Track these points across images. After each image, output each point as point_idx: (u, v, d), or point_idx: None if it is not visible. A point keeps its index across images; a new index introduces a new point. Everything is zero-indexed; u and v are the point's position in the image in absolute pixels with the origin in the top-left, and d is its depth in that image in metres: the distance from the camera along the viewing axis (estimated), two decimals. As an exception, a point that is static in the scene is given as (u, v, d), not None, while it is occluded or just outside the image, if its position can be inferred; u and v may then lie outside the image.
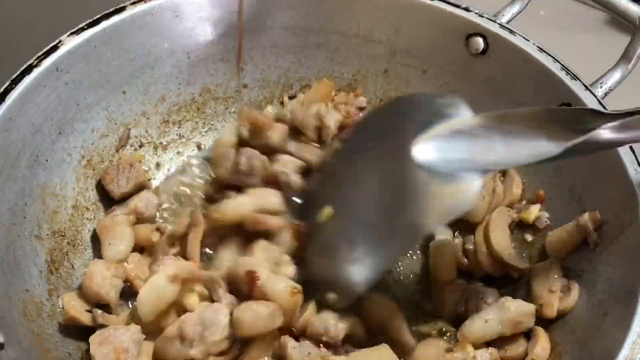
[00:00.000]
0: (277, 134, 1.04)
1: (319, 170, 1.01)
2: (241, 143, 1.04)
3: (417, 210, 0.84)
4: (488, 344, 0.90)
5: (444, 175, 0.83)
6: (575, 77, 0.99)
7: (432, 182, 0.83)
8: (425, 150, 0.85)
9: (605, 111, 0.80)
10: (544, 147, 0.79)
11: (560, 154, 0.79)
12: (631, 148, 0.90)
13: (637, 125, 0.77)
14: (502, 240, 0.99)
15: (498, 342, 0.91)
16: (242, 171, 1.01)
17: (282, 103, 1.16)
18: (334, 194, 0.95)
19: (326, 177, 0.99)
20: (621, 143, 0.83)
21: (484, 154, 0.83)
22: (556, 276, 0.92)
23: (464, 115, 0.86)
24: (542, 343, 0.88)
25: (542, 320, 0.91)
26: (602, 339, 0.83)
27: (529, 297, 0.93)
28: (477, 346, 0.89)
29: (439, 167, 0.83)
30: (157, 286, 0.86)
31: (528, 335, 0.92)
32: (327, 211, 0.93)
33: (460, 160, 0.83)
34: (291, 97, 1.16)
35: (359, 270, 0.87)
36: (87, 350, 0.87)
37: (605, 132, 0.77)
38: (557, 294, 0.91)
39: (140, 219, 1.02)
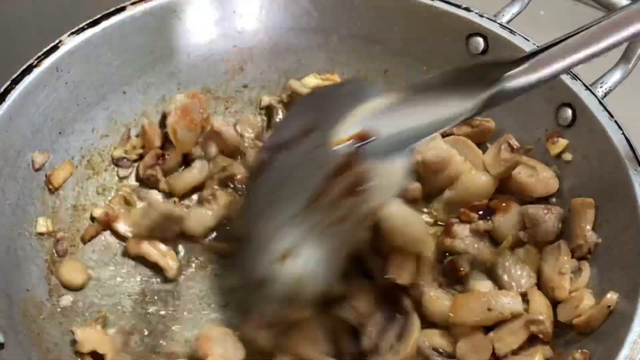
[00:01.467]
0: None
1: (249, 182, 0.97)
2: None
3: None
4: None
5: (368, 157, 0.79)
6: (575, 77, 0.98)
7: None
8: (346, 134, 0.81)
9: (509, 59, 0.80)
10: (458, 107, 0.79)
11: (475, 110, 0.79)
12: (632, 148, 0.91)
13: (538, 66, 0.79)
14: None
15: None
16: None
17: (281, 102, 1.16)
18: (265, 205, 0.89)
19: (256, 190, 0.94)
20: (529, 87, 0.81)
21: (404, 126, 0.81)
22: (566, 258, 0.90)
23: (376, 95, 0.83)
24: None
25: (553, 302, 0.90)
26: (602, 339, 0.83)
27: (539, 280, 0.92)
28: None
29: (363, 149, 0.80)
30: None
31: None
32: None
33: (385, 138, 0.80)
34: (290, 95, 1.16)
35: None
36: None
37: (514, 80, 0.79)
38: (567, 276, 0.89)
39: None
